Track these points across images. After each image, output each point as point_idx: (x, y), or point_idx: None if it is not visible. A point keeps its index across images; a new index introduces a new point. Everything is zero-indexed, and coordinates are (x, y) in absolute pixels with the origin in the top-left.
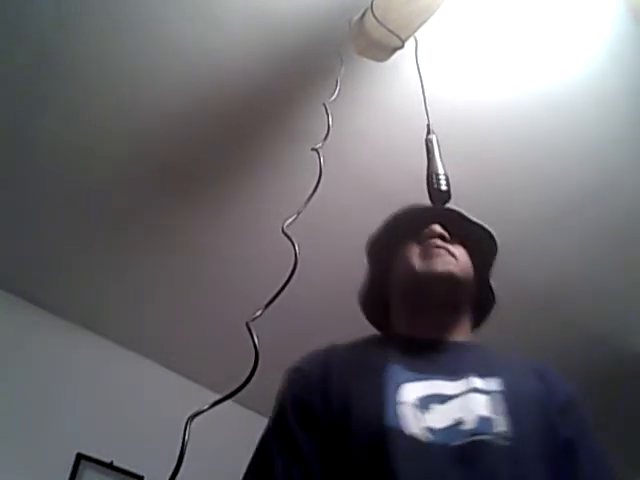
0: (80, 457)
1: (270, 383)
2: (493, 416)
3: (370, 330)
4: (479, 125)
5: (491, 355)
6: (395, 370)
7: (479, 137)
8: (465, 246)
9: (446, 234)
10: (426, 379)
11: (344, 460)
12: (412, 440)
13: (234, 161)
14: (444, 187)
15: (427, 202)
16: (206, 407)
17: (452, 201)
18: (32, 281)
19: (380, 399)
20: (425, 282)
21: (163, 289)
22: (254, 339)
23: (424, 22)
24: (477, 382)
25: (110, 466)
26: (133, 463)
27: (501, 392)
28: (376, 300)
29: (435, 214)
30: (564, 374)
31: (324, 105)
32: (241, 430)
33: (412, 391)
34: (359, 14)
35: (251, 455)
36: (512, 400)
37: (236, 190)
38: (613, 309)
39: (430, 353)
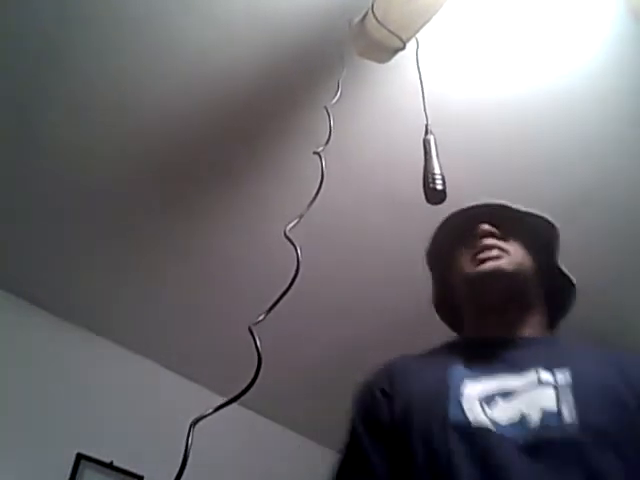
0: (80, 457)
1: (273, 386)
2: (560, 409)
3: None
4: (480, 125)
5: (564, 347)
6: (458, 370)
7: (480, 137)
8: (521, 239)
9: (495, 231)
10: (490, 376)
11: (409, 461)
12: (477, 434)
13: (235, 164)
14: (440, 186)
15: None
16: (210, 411)
17: (452, 202)
18: (32, 281)
19: (442, 397)
20: (477, 284)
21: (165, 290)
22: (257, 343)
23: (425, 23)
24: (543, 375)
25: (110, 466)
26: (133, 463)
27: (570, 384)
28: (448, 305)
29: (482, 212)
30: None
31: (325, 108)
32: (243, 432)
33: (475, 388)
34: (360, 15)
35: (258, 458)
36: (582, 392)
37: (238, 193)
38: (613, 309)
39: (496, 351)
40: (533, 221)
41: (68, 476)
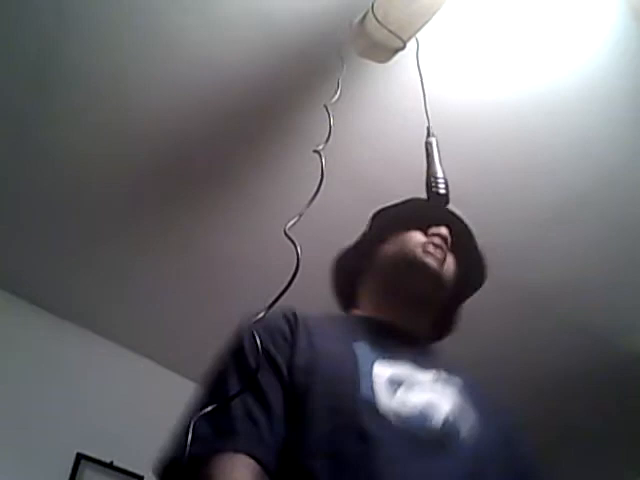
0: (80, 457)
1: None
2: (458, 411)
3: None
4: (480, 125)
5: (450, 358)
6: (365, 346)
7: (480, 137)
8: (459, 258)
9: (449, 240)
10: (396, 362)
11: (304, 416)
12: (383, 418)
13: (235, 163)
14: (442, 190)
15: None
16: (208, 409)
17: (453, 202)
18: (32, 281)
19: (351, 369)
20: (415, 270)
21: (164, 290)
22: (257, 341)
23: (426, 23)
24: (444, 376)
25: (110, 466)
26: (133, 463)
27: (464, 391)
28: (351, 271)
29: (449, 219)
30: (564, 374)
31: (325, 107)
32: None
33: (384, 370)
34: (360, 15)
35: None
36: (473, 401)
37: (238, 192)
38: (613, 309)
39: (399, 339)
40: (476, 260)
41: (68, 476)
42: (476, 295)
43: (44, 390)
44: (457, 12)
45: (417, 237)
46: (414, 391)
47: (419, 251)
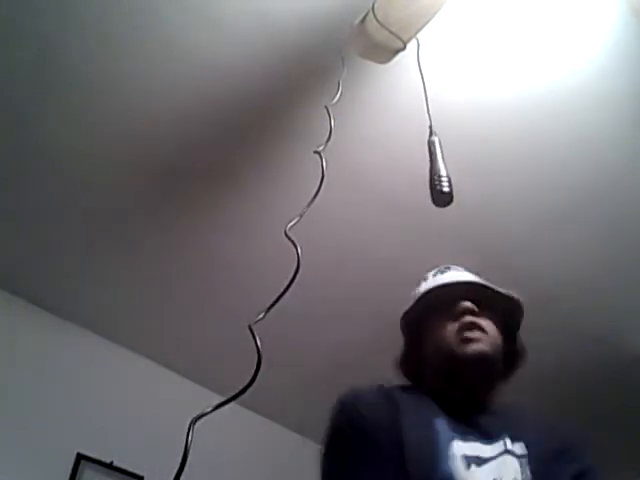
0: (80, 457)
1: (273, 385)
2: (523, 478)
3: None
4: (481, 125)
5: (516, 416)
6: (443, 425)
7: (480, 137)
8: (494, 317)
9: (475, 308)
10: (467, 440)
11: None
12: None
13: (236, 163)
14: (446, 189)
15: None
16: (209, 409)
17: (454, 201)
18: (32, 281)
19: (434, 447)
20: (461, 365)
21: (165, 290)
22: (257, 341)
23: (426, 24)
24: (509, 445)
25: (110, 466)
26: (133, 463)
27: (527, 456)
28: (413, 366)
29: (465, 289)
30: (564, 374)
31: (326, 107)
32: (242, 431)
33: (459, 449)
34: (360, 16)
35: (257, 457)
36: (537, 464)
37: (238, 193)
38: (614, 309)
39: (468, 415)
40: (504, 300)
41: (68, 476)
42: None
43: (44, 390)
44: (457, 12)
45: (444, 327)
46: (484, 469)
47: (456, 344)
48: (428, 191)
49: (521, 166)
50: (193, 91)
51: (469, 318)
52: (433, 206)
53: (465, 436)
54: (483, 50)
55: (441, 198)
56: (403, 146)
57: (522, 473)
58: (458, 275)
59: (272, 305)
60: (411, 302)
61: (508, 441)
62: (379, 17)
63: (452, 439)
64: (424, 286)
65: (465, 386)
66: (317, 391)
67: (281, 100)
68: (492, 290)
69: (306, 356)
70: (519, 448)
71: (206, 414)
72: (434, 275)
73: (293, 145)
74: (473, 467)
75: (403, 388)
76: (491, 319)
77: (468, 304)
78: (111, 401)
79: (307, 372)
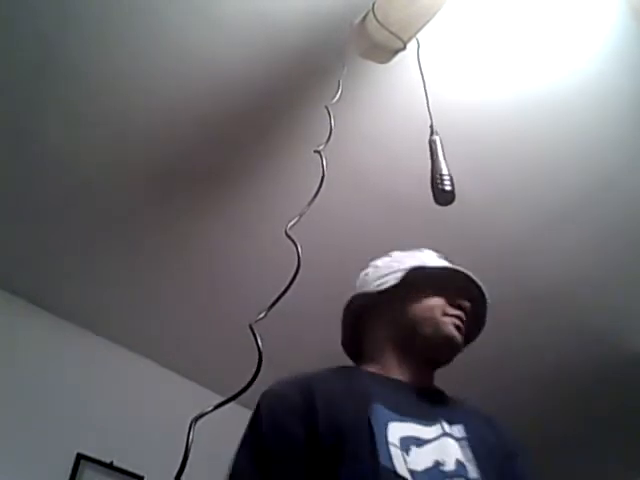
0: (80, 457)
1: None
2: (465, 462)
3: None
4: (481, 125)
5: (452, 402)
6: (379, 408)
7: (481, 137)
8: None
9: (469, 312)
10: (405, 421)
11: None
12: (398, 477)
13: (236, 163)
14: (448, 187)
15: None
16: (210, 409)
17: (455, 201)
18: (32, 281)
19: (370, 437)
20: (440, 340)
21: (165, 289)
22: (257, 341)
23: (426, 24)
24: (447, 428)
25: (110, 466)
26: (133, 463)
27: (467, 439)
28: (364, 317)
29: (474, 292)
30: (564, 374)
31: (326, 107)
32: (242, 431)
33: (396, 431)
34: (361, 16)
35: None
36: (476, 447)
37: (239, 192)
38: (614, 309)
39: (407, 396)
40: (483, 320)
41: (68, 476)
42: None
43: (44, 390)
44: (457, 12)
45: (438, 303)
46: (424, 450)
47: (446, 322)
48: (428, 190)
49: (521, 166)
50: (193, 91)
51: (462, 316)
52: (433, 206)
53: (403, 418)
54: (483, 50)
55: (443, 196)
56: (403, 146)
57: (464, 455)
58: (434, 258)
59: (273, 304)
60: (391, 272)
61: (445, 424)
62: (379, 17)
63: (388, 421)
64: (428, 260)
65: (422, 361)
66: None
67: (281, 100)
68: (485, 306)
69: (307, 355)
70: (457, 431)
71: (206, 414)
72: (435, 257)
73: (293, 145)
74: (413, 448)
75: (330, 371)
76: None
77: (468, 305)
78: (111, 401)
79: (307, 371)
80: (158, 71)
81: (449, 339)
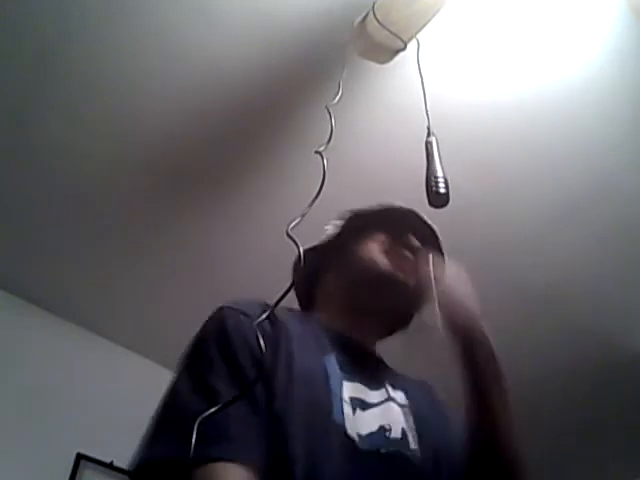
0: (80, 457)
1: None
2: (407, 431)
3: None
4: (480, 126)
5: (392, 368)
6: (334, 364)
7: (480, 138)
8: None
9: (419, 249)
10: (354, 381)
11: (282, 436)
12: (349, 441)
13: (237, 163)
14: (442, 190)
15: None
16: (212, 410)
17: (452, 202)
18: (32, 281)
19: (324, 391)
20: (384, 284)
21: (165, 290)
22: (259, 341)
23: (426, 24)
24: (392, 393)
25: (110, 466)
26: None
27: (408, 406)
28: (314, 269)
29: (418, 225)
30: (565, 374)
31: (327, 108)
32: None
33: (348, 390)
34: (361, 16)
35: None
36: (416, 416)
37: (240, 192)
38: (614, 309)
39: (356, 357)
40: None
41: (68, 476)
42: (479, 295)
43: (44, 390)
44: (457, 12)
45: (382, 243)
46: (368, 414)
47: (386, 262)
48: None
49: (521, 166)
50: (193, 91)
51: (410, 255)
52: (432, 207)
53: (352, 377)
54: (483, 50)
55: (437, 199)
56: (404, 146)
57: (406, 422)
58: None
59: (275, 305)
60: (343, 216)
61: (390, 389)
62: (379, 17)
63: (342, 379)
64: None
65: (369, 308)
66: None
67: (282, 100)
68: (440, 250)
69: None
70: (400, 397)
71: (210, 414)
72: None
73: (294, 145)
74: (358, 411)
75: (291, 312)
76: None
77: (417, 244)
78: (111, 401)
79: None
80: (158, 71)
81: (387, 277)
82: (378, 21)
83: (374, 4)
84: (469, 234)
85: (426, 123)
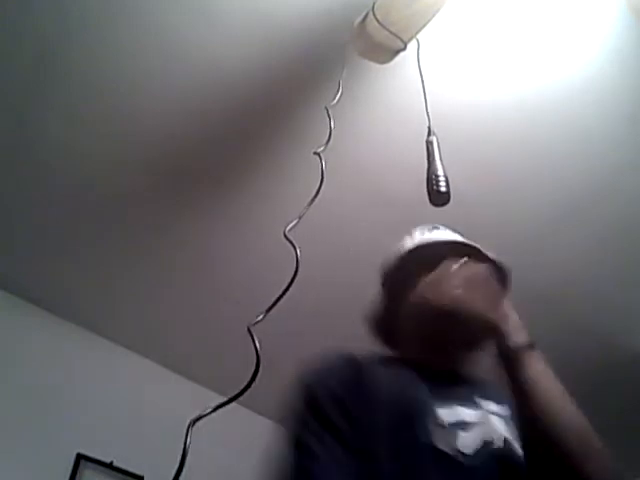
0: (80, 457)
1: (271, 386)
2: (512, 439)
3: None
4: (480, 126)
5: (485, 382)
6: (424, 394)
7: (480, 138)
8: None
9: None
10: (450, 406)
11: (373, 466)
12: (449, 459)
13: (236, 164)
14: (443, 188)
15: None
16: (209, 410)
17: (453, 201)
18: (32, 281)
19: (416, 418)
20: (447, 320)
21: (165, 290)
22: (255, 343)
23: (426, 24)
24: (492, 406)
25: (110, 466)
26: (133, 463)
27: (504, 414)
28: (387, 327)
29: (451, 248)
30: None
31: (326, 108)
32: (242, 431)
33: (442, 416)
34: (361, 16)
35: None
36: (511, 420)
37: (238, 193)
38: (614, 309)
39: (446, 381)
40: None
41: (68, 476)
42: None
43: (44, 390)
44: (457, 12)
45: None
46: (468, 433)
47: (447, 297)
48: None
49: (521, 166)
50: (193, 91)
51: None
52: (433, 206)
53: (445, 401)
54: (483, 50)
55: (438, 198)
56: (403, 146)
57: (509, 433)
58: (445, 234)
59: (271, 307)
60: (395, 258)
61: (482, 402)
62: (379, 17)
63: (434, 407)
64: (409, 243)
65: (447, 345)
66: None
67: (281, 101)
68: (484, 255)
69: (305, 357)
70: (500, 409)
71: (205, 415)
72: (421, 233)
73: (293, 146)
74: (460, 433)
75: (376, 357)
76: None
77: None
78: (111, 401)
79: None
80: (158, 71)
81: (449, 313)
82: (378, 21)
83: (374, 4)
84: (468, 234)
85: (426, 123)
